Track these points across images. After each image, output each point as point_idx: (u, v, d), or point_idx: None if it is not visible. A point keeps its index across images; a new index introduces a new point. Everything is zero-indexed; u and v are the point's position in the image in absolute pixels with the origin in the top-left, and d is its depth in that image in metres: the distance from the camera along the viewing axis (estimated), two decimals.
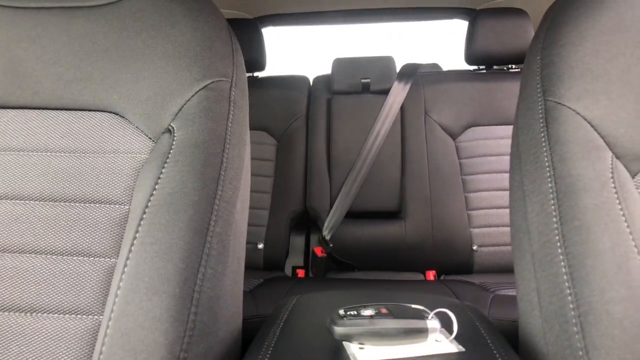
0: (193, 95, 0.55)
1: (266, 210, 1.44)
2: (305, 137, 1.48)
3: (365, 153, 1.44)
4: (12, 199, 0.52)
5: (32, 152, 0.54)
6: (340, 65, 1.51)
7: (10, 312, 0.48)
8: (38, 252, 0.50)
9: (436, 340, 0.44)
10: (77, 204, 0.51)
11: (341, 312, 0.44)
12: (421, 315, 0.45)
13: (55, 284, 0.48)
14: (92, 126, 0.55)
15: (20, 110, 0.55)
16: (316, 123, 1.49)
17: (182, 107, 0.55)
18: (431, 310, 0.45)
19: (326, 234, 1.40)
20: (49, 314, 0.47)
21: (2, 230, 0.50)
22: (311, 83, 1.58)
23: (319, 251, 1.41)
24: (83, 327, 0.47)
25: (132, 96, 0.54)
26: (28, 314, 0.48)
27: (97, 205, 0.51)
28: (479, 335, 0.47)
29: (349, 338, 0.43)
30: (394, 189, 1.44)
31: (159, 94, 0.55)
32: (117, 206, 0.50)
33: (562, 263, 0.43)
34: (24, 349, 0.47)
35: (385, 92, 1.47)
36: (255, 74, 1.60)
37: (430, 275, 1.40)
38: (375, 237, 1.42)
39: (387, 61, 1.50)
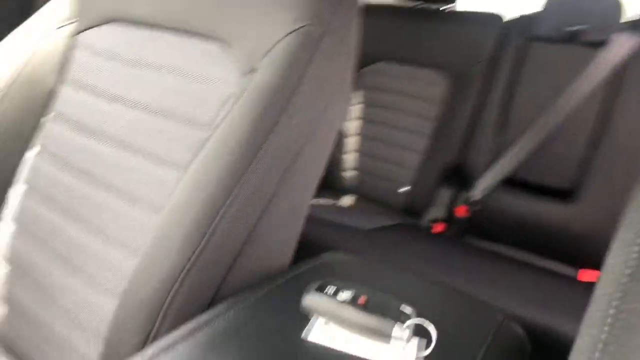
0: (282, 38, 0.57)
1: (418, 154, 1.41)
2: (481, 84, 1.34)
3: (550, 115, 1.24)
4: (132, 107, 0.65)
5: (150, 68, 0.65)
6: (554, 5, 1.28)
7: (116, 198, 0.62)
8: (135, 151, 0.62)
9: (402, 349, 0.42)
10: (171, 121, 0.61)
11: (321, 285, 0.45)
12: (398, 319, 0.42)
13: (143, 179, 0.60)
14: (199, 52, 0.63)
15: (151, 28, 0.67)
16: (499, 70, 1.33)
17: (271, 48, 0.58)
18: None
19: (476, 195, 1.31)
20: (135, 204, 0.60)
21: (121, 129, 0.65)
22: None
23: (462, 211, 1.34)
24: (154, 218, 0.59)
25: (237, 30, 0.59)
26: (125, 201, 0.61)
27: (185, 126, 0.60)
28: None
29: (313, 312, 0.44)
30: (572, 164, 1.23)
31: (258, 31, 0.60)
32: (199, 132, 0.58)
33: None
34: (122, 232, 0.61)
35: (600, 44, 1.20)
36: (443, 7, 1.48)
37: (587, 275, 1.20)
38: (531, 213, 1.26)
39: (612, 5, 1.20)
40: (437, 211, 1.38)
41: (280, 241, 0.62)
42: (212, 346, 0.39)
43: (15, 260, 0.70)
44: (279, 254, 0.62)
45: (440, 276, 1.03)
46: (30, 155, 0.74)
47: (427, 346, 0.42)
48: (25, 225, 0.71)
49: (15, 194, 0.73)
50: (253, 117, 0.55)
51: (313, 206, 1.34)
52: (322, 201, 1.45)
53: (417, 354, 0.41)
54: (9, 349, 0.72)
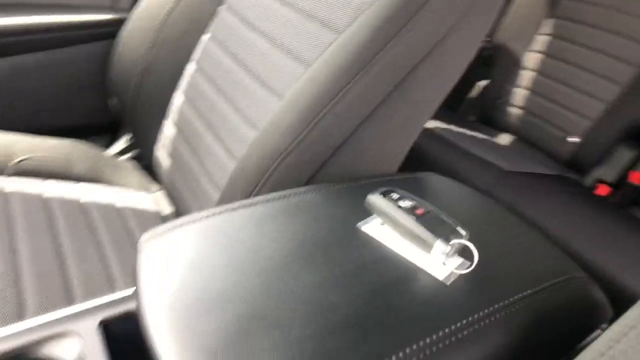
0: None
1: (603, 102, 1.22)
2: None
3: None
4: (285, 6, 0.72)
5: None
6: None
7: (256, 83, 0.72)
8: (279, 46, 0.70)
9: (442, 262, 0.43)
10: (313, 22, 0.66)
11: (388, 190, 0.47)
12: (446, 235, 0.43)
13: (278, 70, 0.68)
14: None
15: None
16: None
17: None
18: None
19: None
20: (268, 90, 0.69)
21: (273, 26, 0.72)
22: None
23: (636, 177, 1.15)
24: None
25: None
26: (262, 87, 0.70)
27: (322, 28, 0.64)
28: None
29: (373, 211, 0.47)
30: None
31: None
32: (330, 34, 0.62)
33: None
34: (254, 111, 0.71)
35: None
36: None
37: None
38: None
39: None
40: (607, 171, 1.21)
41: (383, 152, 0.65)
42: (274, 217, 0.46)
43: (180, 125, 0.88)
44: (380, 163, 0.65)
45: (580, 244, 0.93)
46: (204, 39, 0.88)
47: (467, 268, 0.42)
48: (191, 97, 0.86)
49: (188, 71, 0.89)
50: (377, 25, 0.57)
51: (455, 133, 1.29)
52: (470, 132, 1.39)
53: (453, 270, 0.42)
54: (169, 193, 0.93)
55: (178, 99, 0.90)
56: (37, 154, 0.93)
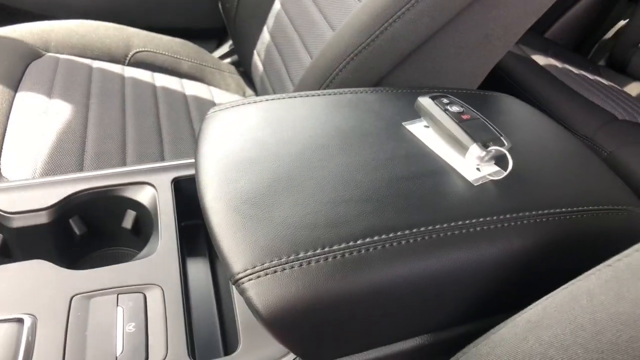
0: None
1: None
2: None
3: None
4: None
5: None
6: None
7: None
8: None
9: (477, 167, 0.44)
10: None
11: (438, 95, 0.48)
12: (486, 142, 0.43)
13: None
14: None
15: None
16: None
17: None
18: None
19: None
20: None
21: None
22: None
23: None
24: None
25: None
26: None
27: None
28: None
29: (420, 112, 0.49)
30: None
31: None
32: None
33: None
34: (336, 14, 0.74)
35: None
36: None
37: None
38: None
39: None
40: None
41: (457, 69, 0.64)
42: (326, 106, 0.50)
43: (274, 32, 0.93)
44: (453, 80, 0.65)
45: None
46: None
47: (499, 175, 0.43)
48: (285, 3, 0.90)
49: None
50: None
51: (571, 75, 1.18)
52: (592, 77, 1.26)
53: (485, 174, 0.43)
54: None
55: (275, 6, 0.95)
56: (152, 49, 1.05)
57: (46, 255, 0.48)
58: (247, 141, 0.44)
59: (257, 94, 1.07)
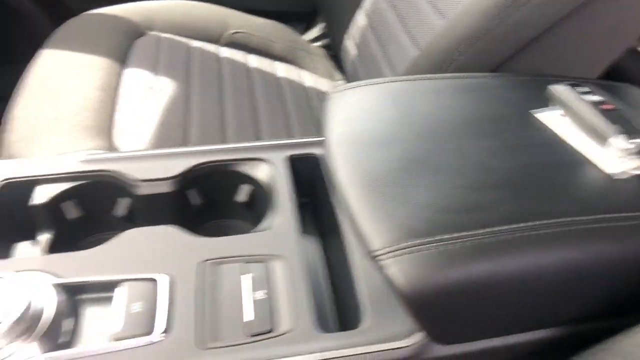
0: None
1: None
2: None
3: None
4: None
5: None
6: None
7: None
8: None
9: (617, 158, 0.41)
10: None
11: (575, 83, 0.46)
12: (630, 133, 0.41)
13: None
14: None
15: None
16: None
17: None
18: None
19: None
20: None
21: None
22: None
23: None
24: None
25: None
26: None
27: None
28: None
29: (553, 101, 0.47)
30: None
31: None
32: None
33: None
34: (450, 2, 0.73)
35: None
36: None
37: None
38: None
39: None
40: None
41: (580, 57, 0.62)
42: (451, 90, 0.49)
43: (371, 15, 0.93)
44: (573, 69, 0.62)
45: None
46: None
47: None
48: None
49: None
50: None
51: None
52: None
53: (629, 168, 0.41)
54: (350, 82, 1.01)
55: None
56: (246, 30, 1.08)
57: (164, 223, 0.51)
58: (374, 122, 0.44)
59: (347, 78, 1.07)
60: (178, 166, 0.54)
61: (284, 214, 0.49)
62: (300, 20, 1.26)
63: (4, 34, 1.17)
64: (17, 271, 0.41)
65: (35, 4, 1.21)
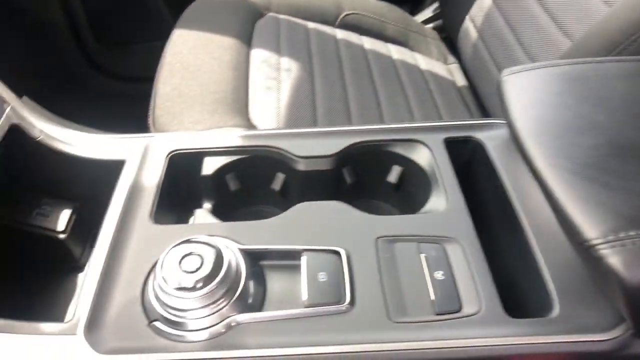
0: None
1: None
2: None
3: None
4: None
5: None
6: None
7: None
8: None
9: None
10: None
11: None
12: None
13: None
14: None
15: None
16: None
17: None
18: None
19: None
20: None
21: None
22: None
23: None
24: None
25: None
26: None
27: None
28: None
29: None
30: None
31: None
32: None
33: None
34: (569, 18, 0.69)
35: None
36: None
37: None
38: None
39: None
40: None
41: None
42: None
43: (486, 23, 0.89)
44: None
45: None
46: None
47: None
48: None
49: None
50: None
51: None
52: None
53: None
54: (466, 66, 0.98)
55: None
56: (360, 11, 1.08)
57: (318, 199, 0.52)
58: (567, 106, 0.43)
59: (461, 62, 1.05)
60: (336, 145, 0.55)
61: (452, 196, 0.48)
62: (412, 1, 1.24)
63: (132, 16, 1.24)
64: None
65: None
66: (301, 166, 0.55)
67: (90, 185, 0.56)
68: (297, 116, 0.78)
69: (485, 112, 0.89)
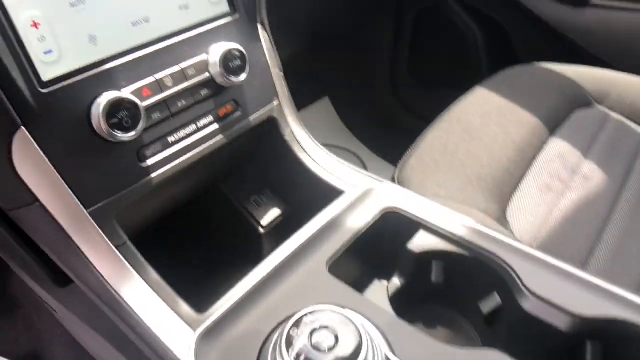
0: None
1: None
2: None
3: None
4: None
5: None
6: None
7: None
8: None
9: None
10: None
11: None
12: None
13: None
14: None
15: None
16: None
17: None
18: None
19: None
20: None
21: None
22: None
23: None
24: None
25: None
26: None
27: None
28: None
29: None
30: None
31: None
32: None
33: None
34: None
35: None
36: None
37: None
38: None
39: None
40: None
41: None
42: None
43: None
44: None
45: None
46: None
47: None
48: None
49: None
50: None
51: None
52: None
53: None
54: None
55: None
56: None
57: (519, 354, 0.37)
58: None
59: None
60: (594, 305, 0.38)
61: None
62: None
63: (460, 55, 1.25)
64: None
65: (485, 40, 1.21)
66: (528, 304, 0.40)
67: (307, 198, 0.55)
68: (564, 241, 0.61)
69: None
